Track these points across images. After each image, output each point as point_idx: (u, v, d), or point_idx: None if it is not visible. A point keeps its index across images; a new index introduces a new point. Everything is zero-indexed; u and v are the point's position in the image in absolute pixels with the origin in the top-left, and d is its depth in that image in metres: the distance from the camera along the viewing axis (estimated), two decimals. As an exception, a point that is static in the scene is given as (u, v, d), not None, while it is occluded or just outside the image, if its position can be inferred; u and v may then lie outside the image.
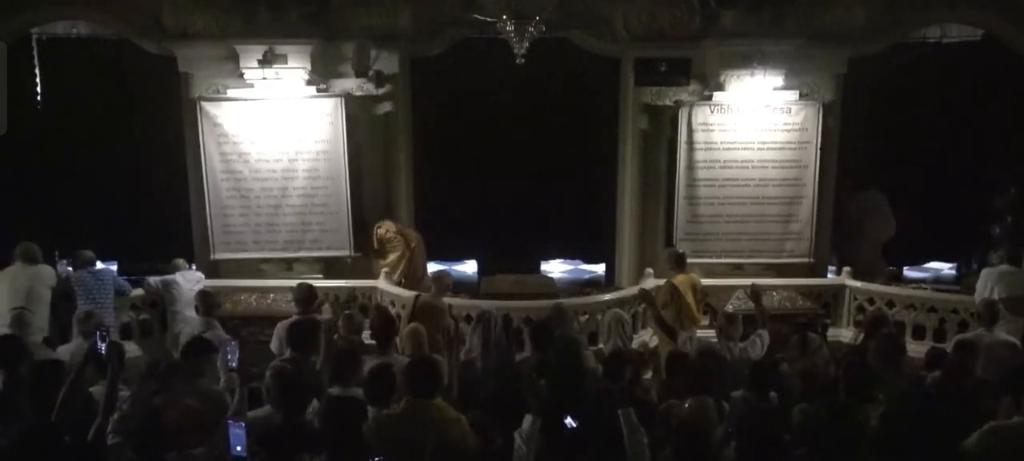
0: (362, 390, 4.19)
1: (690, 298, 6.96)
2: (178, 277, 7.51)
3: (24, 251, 7.10)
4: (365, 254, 8.63)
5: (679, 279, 7.02)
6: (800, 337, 5.71)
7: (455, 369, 5.00)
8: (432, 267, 9.36)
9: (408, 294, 7.38)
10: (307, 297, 6.24)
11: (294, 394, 4.04)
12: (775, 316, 7.56)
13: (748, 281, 8.27)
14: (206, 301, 6.28)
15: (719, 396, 4.41)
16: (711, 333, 6.50)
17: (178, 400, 3.91)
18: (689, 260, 7.45)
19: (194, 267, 8.44)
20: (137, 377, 4.42)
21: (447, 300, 6.78)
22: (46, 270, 7.10)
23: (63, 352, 5.57)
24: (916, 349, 6.67)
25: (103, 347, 4.22)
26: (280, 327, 5.89)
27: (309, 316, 5.98)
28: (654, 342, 7.46)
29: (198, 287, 7.17)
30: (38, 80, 9.64)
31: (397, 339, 5.52)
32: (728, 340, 5.69)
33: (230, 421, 3.42)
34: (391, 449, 3.63)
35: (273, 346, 5.92)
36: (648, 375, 5.82)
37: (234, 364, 4.49)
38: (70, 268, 7.53)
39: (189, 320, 6.74)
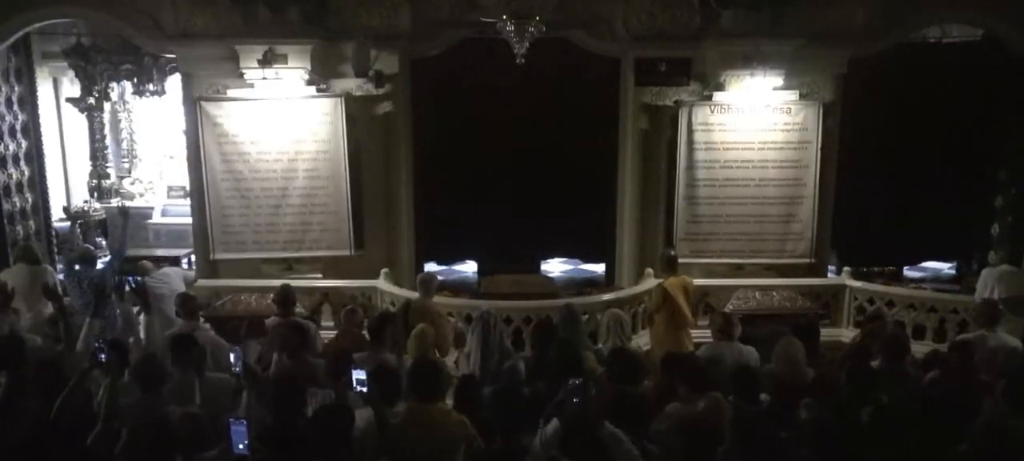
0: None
1: (682, 300, 6.93)
2: (152, 278, 7.13)
3: (24, 251, 7.13)
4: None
5: (670, 282, 6.98)
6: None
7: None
8: (431, 268, 9.37)
9: (405, 294, 7.39)
10: (287, 299, 6.11)
11: (287, 396, 4.03)
12: (775, 316, 7.59)
13: (748, 281, 8.32)
14: (186, 304, 5.92)
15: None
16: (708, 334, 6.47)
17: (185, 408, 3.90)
18: (690, 260, 7.46)
19: (192, 266, 8.42)
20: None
21: (443, 300, 6.74)
22: (46, 270, 7.11)
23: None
24: (916, 349, 6.65)
25: (102, 355, 4.22)
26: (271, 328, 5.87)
27: (293, 319, 5.92)
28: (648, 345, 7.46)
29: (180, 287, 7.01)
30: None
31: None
32: (727, 340, 5.66)
33: (231, 418, 3.42)
34: (395, 453, 3.63)
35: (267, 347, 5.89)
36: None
37: (238, 369, 4.48)
38: (63, 265, 7.52)
39: (170, 322, 6.40)
